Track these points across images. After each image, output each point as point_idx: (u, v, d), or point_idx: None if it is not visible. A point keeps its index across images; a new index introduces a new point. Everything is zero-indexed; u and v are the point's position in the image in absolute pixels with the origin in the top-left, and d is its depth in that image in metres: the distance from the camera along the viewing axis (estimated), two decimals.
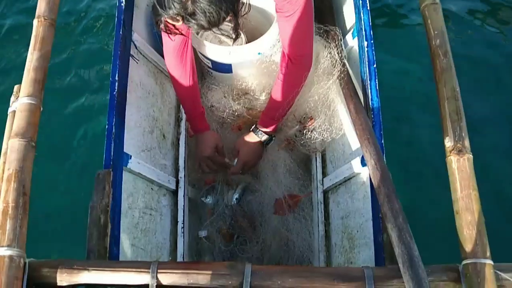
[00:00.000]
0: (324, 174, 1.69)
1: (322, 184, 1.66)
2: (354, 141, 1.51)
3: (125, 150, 1.38)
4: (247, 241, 1.65)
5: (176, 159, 1.73)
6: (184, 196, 1.64)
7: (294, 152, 1.70)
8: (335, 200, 1.59)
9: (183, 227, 1.59)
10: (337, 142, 1.63)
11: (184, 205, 1.62)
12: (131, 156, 1.40)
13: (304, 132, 1.66)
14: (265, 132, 1.54)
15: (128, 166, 1.38)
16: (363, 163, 1.39)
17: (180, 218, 1.61)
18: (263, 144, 1.56)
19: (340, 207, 1.55)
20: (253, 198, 1.69)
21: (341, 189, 1.56)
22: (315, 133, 1.63)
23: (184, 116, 1.78)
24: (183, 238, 1.57)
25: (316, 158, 1.70)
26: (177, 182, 1.66)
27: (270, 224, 1.63)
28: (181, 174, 1.68)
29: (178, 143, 1.75)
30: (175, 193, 1.66)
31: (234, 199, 1.68)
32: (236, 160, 1.60)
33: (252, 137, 1.55)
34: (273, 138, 1.57)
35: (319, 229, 1.59)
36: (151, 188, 1.54)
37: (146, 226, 1.46)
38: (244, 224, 1.66)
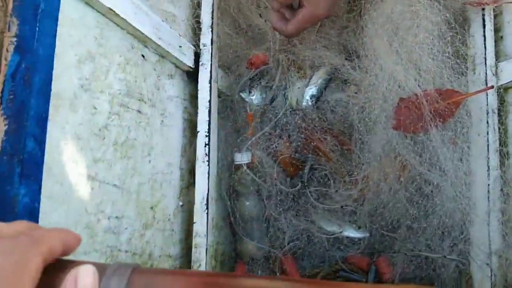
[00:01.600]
0: (500, 55, 0.83)
1: (496, 74, 0.80)
2: None
3: None
4: (331, 179, 0.84)
5: (195, 9, 0.87)
6: (211, 82, 0.80)
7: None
8: None
9: (208, 144, 0.78)
10: None
11: (211, 100, 0.80)
12: None
13: None
14: None
15: None
16: None
17: (202, 125, 0.79)
18: None
19: None
20: (346, 96, 0.85)
21: None
22: None
23: None
24: (209, 164, 0.77)
25: (484, 19, 0.82)
26: (197, 55, 0.82)
27: (380, 150, 0.81)
28: (206, 38, 0.83)
29: None
30: (192, 75, 0.83)
31: (309, 97, 0.85)
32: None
33: None
34: None
35: (490, 165, 0.76)
36: (142, 57, 0.70)
37: (126, 138, 0.64)
38: (324, 147, 0.84)
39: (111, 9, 0.60)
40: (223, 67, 0.93)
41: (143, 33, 0.67)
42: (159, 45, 0.71)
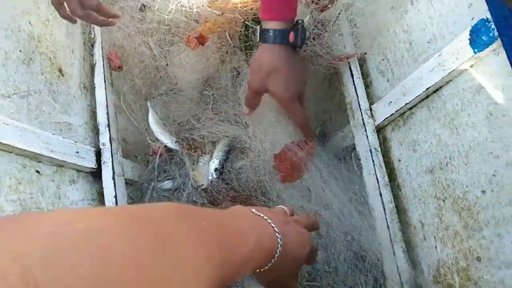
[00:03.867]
0: (371, 99, 0.91)
1: (372, 116, 0.88)
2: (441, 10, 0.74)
3: None
4: None
5: (93, 111, 0.93)
6: (113, 178, 0.84)
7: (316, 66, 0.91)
8: (406, 139, 0.82)
9: None
10: (391, 31, 0.85)
11: (116, 195, 0.83)
12: None
13: (324, 20, 0.88)
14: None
15: None
16: (478, 44, 0.64)
17: None
18: (295, 47, 0.80)
19: (420, 152, 0.78)
20: (246, 162, 0.91)
21: (417, 116, 0.79)
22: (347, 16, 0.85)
23: (99, 33, 0.97)
24: None
25: (351, 70, 0.92)
26: (98, 154, 0.87)
27: (287, 200, 0.86)
28: (105, 137, 0.88)
29: (93, 82, 0.94)
30: (97, 174, 0.86)
31: (213, 171, 0.90)
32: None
33: (266, 48, 0.78)
34: (302, 25, 0.79)
35: (384, 200, 0.82)
36: (37, 172, 0.73)
37: None
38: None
39: None
40: (132, 157, 0.98)
41: (32, 152, 0.71)
42: (53, 158, 0.75)
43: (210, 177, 0.89)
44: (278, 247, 0.47)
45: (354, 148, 0.90)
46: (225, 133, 0.92)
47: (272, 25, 0.76)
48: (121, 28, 0.99)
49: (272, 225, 0.48)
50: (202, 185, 0.88)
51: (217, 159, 0.90)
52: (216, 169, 0.89)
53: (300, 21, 0.78)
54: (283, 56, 0.76)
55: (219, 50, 0.97)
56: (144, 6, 0.93)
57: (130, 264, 0.24)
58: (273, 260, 0.46)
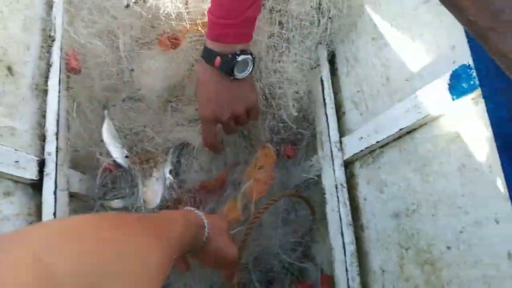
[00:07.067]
0: (344, 130, 0.87)
1: (341, 149, 0.84)
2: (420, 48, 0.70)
3: None
4: None
5: (42, 116, 0.85)
6: (55, 193, 0.76)
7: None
8: (374, 179, 0.78)
9: None
10: (370, 62, 0.80)
11: (55, 212, 0.75)
12: None
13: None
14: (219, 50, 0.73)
15: None
16: (457, 91, 0.60)
17: None
18: (223, 74, 0.75)
19: (388, 194, 0.74)
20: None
21: (387, 155, 0.75)
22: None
23: (60, 30, 0.89)
24: None
25: (324, 99, 0.87)
26: (42, 164, 0.79)
27: None
28: (50, 147, 0.80)
29: (46, 84, 0.86)
30: (37, 187, 0.78)
31: (167, 173, 0.84)
32: None
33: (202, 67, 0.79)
34: (243, 56, 0.73)
35: (344, 240, 0.78)
36: None
37: None
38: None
39: None
40: (81, 167, 0.90)
41: None
42: None
43: (168, 181, 0.83)
44: (205, 226, 0.61)
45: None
46: (179, 139, 0.86)
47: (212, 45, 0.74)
48: (88, 26, 0.92)
49: (199, 213, 0.63)
50: (152, 208, 0.81)
51: (170, 162, 0.84)
52: (170, 171, 0.83)
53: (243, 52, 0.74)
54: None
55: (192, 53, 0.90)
56: (128, 5, 0.86)
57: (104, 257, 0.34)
58: (205, 238, 0.61)
